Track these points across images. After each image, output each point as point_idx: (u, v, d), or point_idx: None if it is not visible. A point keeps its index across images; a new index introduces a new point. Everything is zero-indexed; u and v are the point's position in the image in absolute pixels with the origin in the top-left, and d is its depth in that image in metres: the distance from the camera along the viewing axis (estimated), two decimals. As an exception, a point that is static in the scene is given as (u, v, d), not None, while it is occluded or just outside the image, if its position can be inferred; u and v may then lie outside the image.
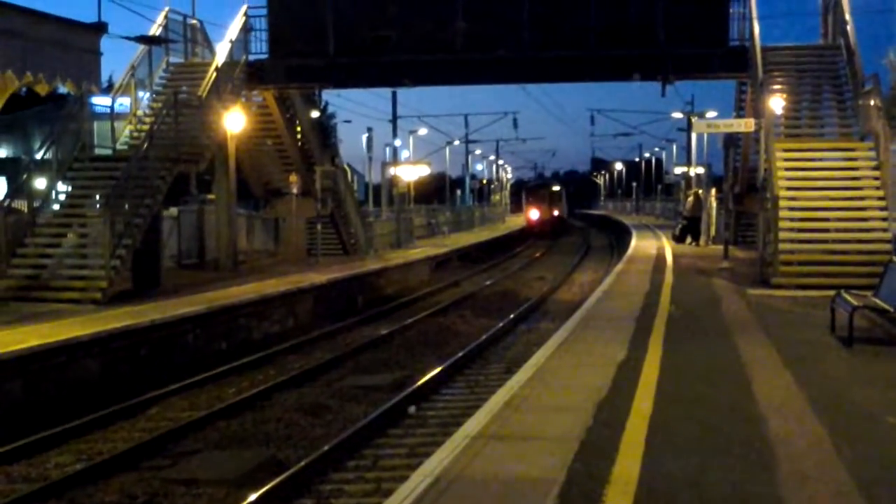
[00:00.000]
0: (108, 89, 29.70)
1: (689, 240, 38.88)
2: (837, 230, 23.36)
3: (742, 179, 33.93)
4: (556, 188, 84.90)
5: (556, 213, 79.07)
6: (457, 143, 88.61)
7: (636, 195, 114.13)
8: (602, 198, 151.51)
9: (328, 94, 58.64)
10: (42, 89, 20.23)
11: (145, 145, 24.63)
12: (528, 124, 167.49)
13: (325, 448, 12.31)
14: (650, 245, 39.86)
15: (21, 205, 24.22)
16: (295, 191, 31.86)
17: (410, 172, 55.23)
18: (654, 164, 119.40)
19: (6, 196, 24.35)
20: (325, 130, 64.92)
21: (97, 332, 16.86)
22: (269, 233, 36.36)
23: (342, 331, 23.45)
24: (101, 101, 27.83)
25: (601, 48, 29.02)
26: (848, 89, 27.22)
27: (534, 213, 77.51)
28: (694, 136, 48.25)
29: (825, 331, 15.40)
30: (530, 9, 28.97)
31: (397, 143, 58.84)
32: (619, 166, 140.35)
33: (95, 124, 27.11)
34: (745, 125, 27.53)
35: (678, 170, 64.84)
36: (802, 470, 8.00)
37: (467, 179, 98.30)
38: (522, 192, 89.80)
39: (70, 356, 16.03)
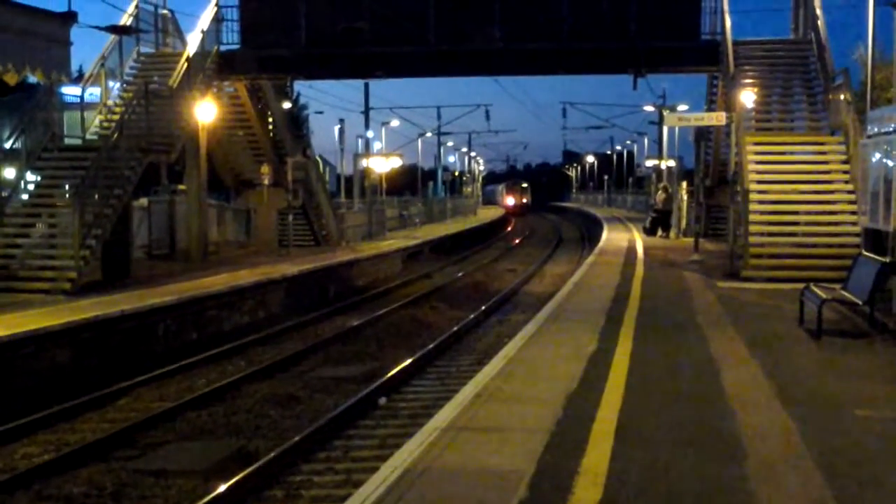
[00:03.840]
0: (78, 79, 29.47)
1: (659, 232, 39.02)
2: (807, 223, 23.50)
3: (713, 172, 34.11)
4: (525, 185, 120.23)
5: (524, 200, 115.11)
6: (429, 134, 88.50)
7: (608, 188, 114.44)
8: (574, 190, 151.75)
9: (300, 86, 58.83)
10: (11, 79, 20.02)
11: (115, 135, 24.46)
12: (500, 117, 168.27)
13: (296, 439, 12.29)
14: (621, 237, 39.98)
15: (-11, 194, 24.00)
16: (266, 182, 31.72)
17: (382, 164, 55.15)
18: (626, 157, 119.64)
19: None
20: (296, 121, 64.77)
21: (66, 323, 16.75)
22: (240, 224, 36.22)
23: (313, 322, 23.39)
24: (70, 91, 27.57)
25: (573, 41, 29.08)
26: (818, 83, 27.39)
27: (510, 201, 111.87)
28: (665, 129, 48.62)
29: (794, 323, 15.51)
30: (503, 1, 29.02)
31: (369, 134, 58.83)
32: (590, 159, 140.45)
33: (65, 114, 26.85)
34: (717, 119, 27.63)
35: (649, 163, 65.06)
36: (770, 461, 8.05)
37: (439, 171, 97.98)
38: (500, 186, 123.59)
39: (38, 346, 15.92)
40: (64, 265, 21.63)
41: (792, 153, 25.73)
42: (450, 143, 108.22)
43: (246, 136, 33.85)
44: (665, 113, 42.79)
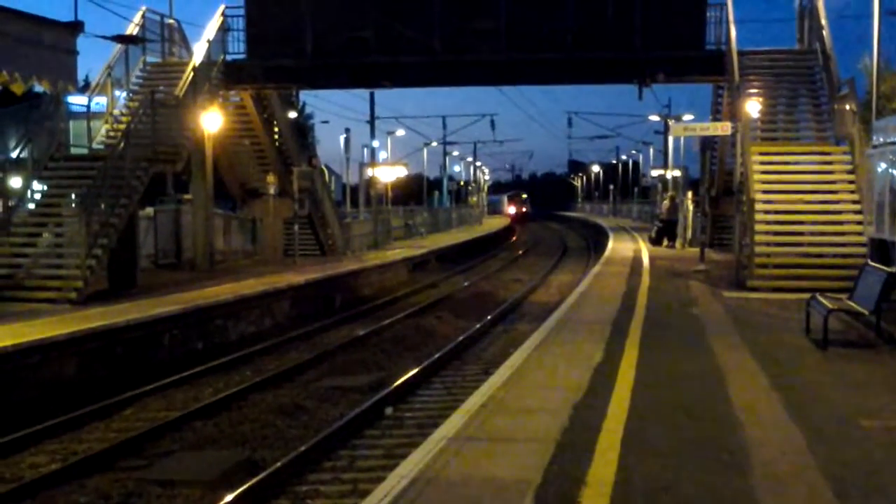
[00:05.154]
0: (84, 88, 29.53)
1: (665, 242, 38.99)
2: (813, 233, 23.50)
3: (718, 182, 34.08)
4: (525, 196, 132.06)
5: (524, 210, 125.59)
6: (434, 144, 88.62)
7: (613, 197, 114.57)
8: (579, 200, 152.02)
9: (306, 95, 58.71)
10: (18, 88, 20.10)
11: (122, 145, 24.49)
12: (505, 126, 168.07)
13: (302, 449, 12.29)
14: (627, 247, 39.98)
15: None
16: (272, 191, 31.81)
17: (388, 173, 55.16)
18: (631, 167, 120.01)
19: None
20: (302, 131, 64.82)
21: (72, 332, 16.77)
22: (246, 233, 36.25)
23: (319, 331, 23.39)
24: (77, 101, 27.66)
25: (579, 51, 29.10)
26: (824, 93, 27.40)
27: (511, 209, 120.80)
28: (671, 138, 48.47)
29: (800, 333, 15.49)
30: (508, 11, 29.07)
31: (375, 143, 58.78)
32: (596, 168, 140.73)
33: (71, 123, 26.96)
34: (722, 128, 27.65)
35: (655, 172, 65.08)
36: (777, 473, 8.05)
37: (445, 181, 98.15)
38: (503, 196, 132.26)
39: (45, 356, 15.94)
40: (70, 274, 21.66)
41: (797, 163, 25.71)
42: (455, 153, 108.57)
43: (252, 145, 33.90)
44: (670, 123, 42.80)
